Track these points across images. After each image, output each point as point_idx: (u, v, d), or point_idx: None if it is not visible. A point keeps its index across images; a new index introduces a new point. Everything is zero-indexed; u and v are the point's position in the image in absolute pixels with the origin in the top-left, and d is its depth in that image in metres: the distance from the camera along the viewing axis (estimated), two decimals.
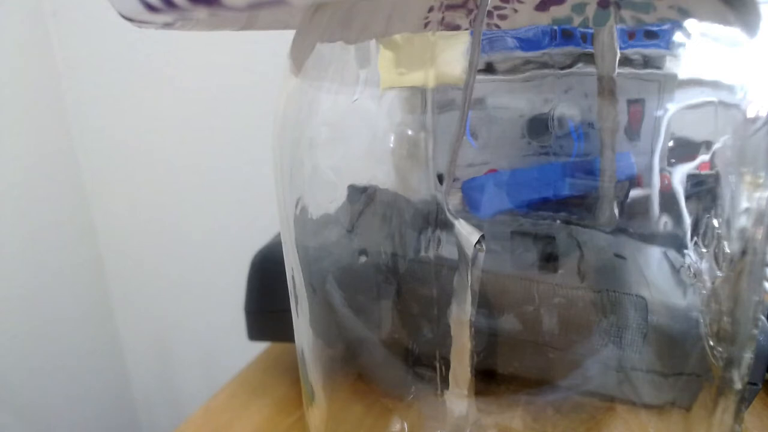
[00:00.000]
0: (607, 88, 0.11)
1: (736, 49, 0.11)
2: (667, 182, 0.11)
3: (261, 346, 0.28)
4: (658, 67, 0.11)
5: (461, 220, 0.12)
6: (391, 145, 0.13)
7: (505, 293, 0.15)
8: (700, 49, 0.11)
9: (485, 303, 0.14)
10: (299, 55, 0.13)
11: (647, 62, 0.11)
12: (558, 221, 0.13)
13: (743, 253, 0.11)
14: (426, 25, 0.11)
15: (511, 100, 0.12)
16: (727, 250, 0.12)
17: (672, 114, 0.11)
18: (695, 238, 0.12)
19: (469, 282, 0.12)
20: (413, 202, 0.14)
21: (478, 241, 0.11)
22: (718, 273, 0.12)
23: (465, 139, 0.12)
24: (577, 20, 0.11)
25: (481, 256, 0.12)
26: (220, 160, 0.48)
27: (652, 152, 0.11)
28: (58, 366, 0.52)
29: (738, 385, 0.12)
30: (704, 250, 0.12)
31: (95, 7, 0.47)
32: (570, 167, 0.12)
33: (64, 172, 0.52)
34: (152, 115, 0.49)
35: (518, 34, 0.11)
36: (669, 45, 0.11)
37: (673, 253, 0.13)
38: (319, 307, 0.15)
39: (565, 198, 0.12)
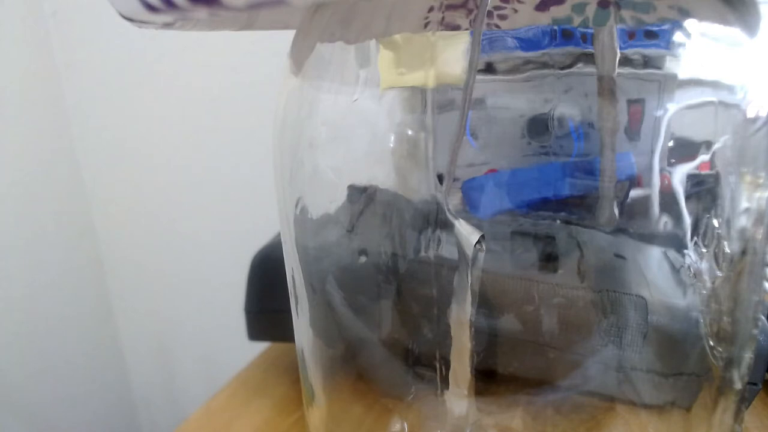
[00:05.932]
0: (607, 88, 0.11)
1: (736, 49, 0.11)
2: (667, 182, 0.11)
3: (261, 346, 0.28)
4: (658, 67, 0.11)
5: (461, 220, 0.12)
6: (391, 145, 0.13)
7: (505, 293, 0.15)
8: (700, 49, 0.11)
9: (485, 303, 0.14)
10: (299, 55, 0.13)
11: (647, 62, 0.11)
12: (558, 221, 0.13)
13: (743, 253, 0.11)
14: (426, 25, 0.11)
15: (511, 100, 0.12)
16: (727, 250, 0.12)
17: (672, 114, 0.11)
18: (695, 238, 0.12)
19: (469, 282, 0.12)
20: (413, 202, 0.14)
21: (478, 241, 0.12)
22: (718, 273, 0.12)
23: (465, 139, 0.12)
24: (577, 20, 0.11)
25: (481, 256, 0.12)
26: (220, 160, 0.48)
27: (652, 152, 0.11)
28: (58, 366, 0.52)
29: (738, 385, 0.12)
30: (704, 250, 0.12)
31: (95, 7, 0.47)
32: (570, 167, 0.12)
33: (64, 172, 0.52)
34: (152, 115, 0.49)
35: (518, 34, 0.11)
36: (669, 45, 0.11)
37: (673, 253, 0.13)
38: (319, 307, 0.15)
39: (565, 198, 0.12)
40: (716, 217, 0.12)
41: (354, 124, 0.13)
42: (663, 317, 0.14)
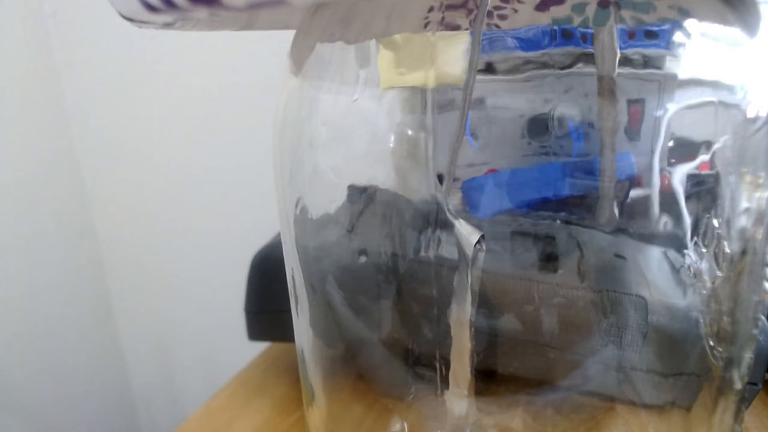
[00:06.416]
0: (607, 88, 0.11)
1: (736, 49, 0.11)
2: (667, 182, 0.11)
3: (261, 346, 0.28)
4: (658, 67, 0.11)
5: (461, 220, 0.12)
6: (391, 145, 0.13)
7: (505, 293, 0.15)
8: (700, 49, 0.11)
9: (485, 303, 0.14)
10: (299, 55, 0.13)
11: (647, 62, 0.11)
12: (558, 221, 0.13)
13: (743, 253, 0.11)
14: (426, 25, 0.11)
15: (511, 100, 0.12)
16: (727, 250, 0.12)
17: (672, 114, 0.11)
18: (695, 238, 0.12)
19: (469, 282, 0.12)
20: (413, 202, 0.14)
21: (478, 241, 0.12)
22: (718, 273, 0.12)
23: (465, 139, 0.12)
24: (577, 20, 0.11)
25: (481, 256, 0.12)
26: (220, 160, 0.48)
27: (652, 152, 0.11)
28: (58, 366, 0.52)
29: (738, 385, 0.12)
30: (704, 250, 0.12)
31: (95, 7, 0.47)
32: (570, 167, 0.12)
33: (64, 172, 0.52)
34: (152, 115, 0.49)
35: (518, 34, 0.11)
36: (669, 45, 0.11)
37: (673, 253, 0.13)
38: (319, 307, 0.15)
39: (565, 198, 0.12)
40: (716, 217, 0.12)
41: (354, 124, 0.13)
42: (663, 317, 0.14)
